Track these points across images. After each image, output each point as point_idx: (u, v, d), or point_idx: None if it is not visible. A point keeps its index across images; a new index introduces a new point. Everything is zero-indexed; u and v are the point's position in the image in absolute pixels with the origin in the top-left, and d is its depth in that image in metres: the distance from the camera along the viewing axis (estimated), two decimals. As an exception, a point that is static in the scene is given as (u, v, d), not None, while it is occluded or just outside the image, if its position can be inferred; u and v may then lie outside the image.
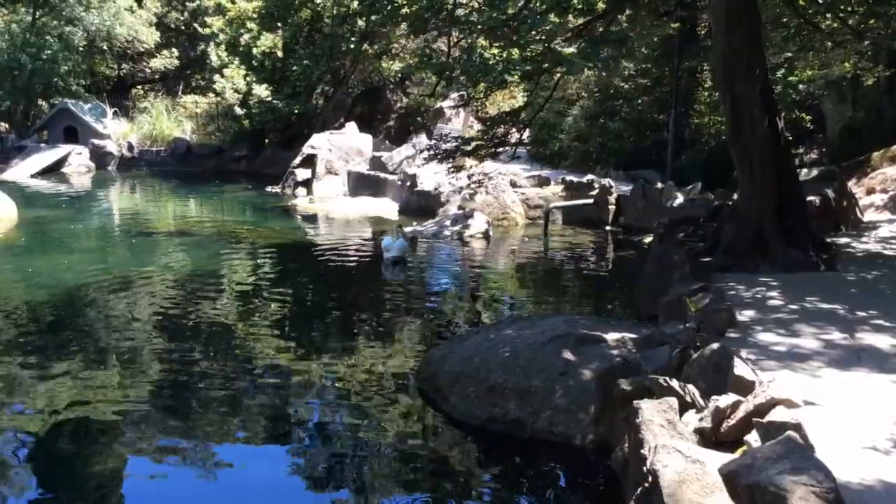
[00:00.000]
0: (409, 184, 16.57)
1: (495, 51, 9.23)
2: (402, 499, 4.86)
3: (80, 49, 26.88)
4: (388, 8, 8.07)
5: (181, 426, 5.75)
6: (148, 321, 8.36)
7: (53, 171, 23.49)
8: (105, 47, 28.00)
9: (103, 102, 27.44)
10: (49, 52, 25.31)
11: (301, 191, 19.37)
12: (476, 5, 8.01)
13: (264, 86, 22.93)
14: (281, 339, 7.92)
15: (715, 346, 4.57)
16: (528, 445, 5.34)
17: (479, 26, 8.04)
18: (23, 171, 22.71)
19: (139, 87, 31.89)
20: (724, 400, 3.95)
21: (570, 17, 9.69)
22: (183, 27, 30.17)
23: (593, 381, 5.33)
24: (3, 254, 11.85)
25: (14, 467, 5.09)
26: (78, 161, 24.44)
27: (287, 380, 6.69)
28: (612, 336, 5.94)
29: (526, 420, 5.38)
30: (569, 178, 16.00)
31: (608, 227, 14.58)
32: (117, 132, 26.27)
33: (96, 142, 25.23)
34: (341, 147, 20.17)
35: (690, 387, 4.32)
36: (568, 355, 5.64)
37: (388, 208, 16.68)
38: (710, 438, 3.88)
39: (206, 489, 4.99)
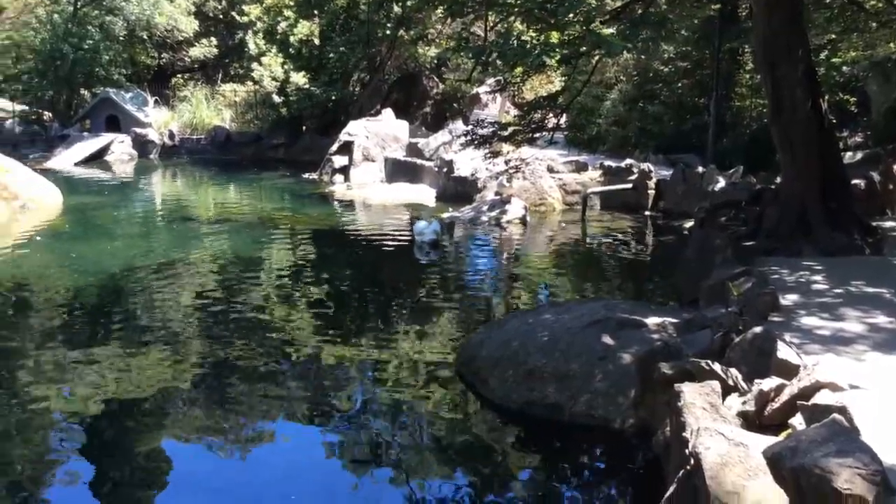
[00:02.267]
0: (445, 170, 16.57)
1: (532, 34, 9.17)
2: (441, 482, 4.89)
3: (121, 38, 27.30)
4: (426, -9, 8.05)
5: (222, 409, 5.83)
6: (189, 306, 8.50)
7: (97, 159, 23.90)
8: (145, 36, 28.42)
9: (144, 91, 27.82)
10: (90, 41, 25.74)
11: (338, 177, 19.49)
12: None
13: (301, 73, 23.05)
14: (319, 324, 7.99)
15: (758, 329, 4.52)
16: (567, 429, 5.34)
17: (517, 9, 7.97)
18: (67, 159, 23.14)
19: (179, 75, 32.26)
20: (768, 383, 3.91)
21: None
22: (221, 16, 30.42)
23: (633, 365, 5.31)
24: (49, 240, 12.12)
25: (62, 449, 5.23)
26: (120, 149, 24.84)
27: (326, 364, 6.74)
28: (652, 320, 5.90)
29: (565, 404, 5.38)
30: (607, 162, 15.87)
31: (647, 212, 14.45)
32: (158, 121, 26.63)
33: (138, 130, 25.59)
34: (378, 134, 20.23)
35: (733, 370, 4.28)
36: (607, 339, 5.62)
37: (424, 194, 16.70)
38: (753, 422, 3.84)
39: (246, 470, 5.06)
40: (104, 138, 24.80)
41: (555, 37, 7.46)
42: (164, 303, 8.66)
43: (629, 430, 5.15)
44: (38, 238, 12.13)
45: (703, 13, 14.32)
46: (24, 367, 6.50)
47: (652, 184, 14.73)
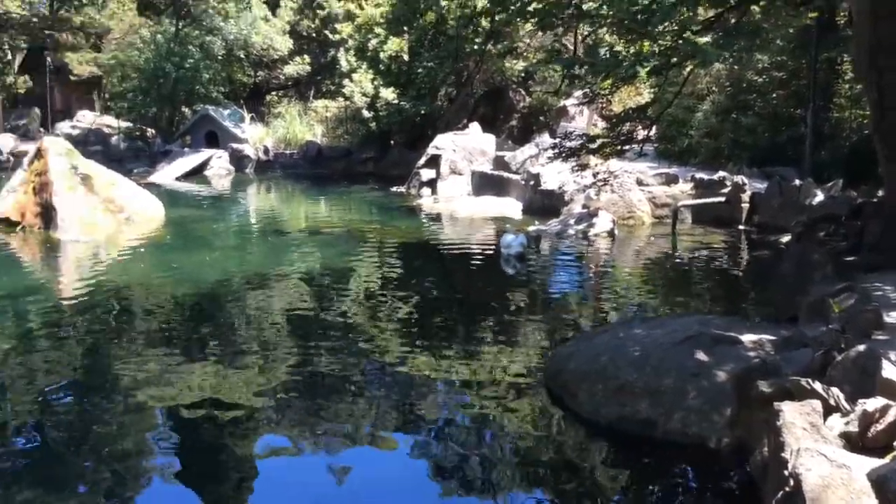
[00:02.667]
0: (532, 183, 16.56)
1: (621, 45, 9.10)
2: (527, 497, 4.87)
3: (220, 58, 28.41)
4: (517, 4, 8.08)
5: (310, 417, 5.95)
6: (281, 316, 8.74)
7: (196, 174, 24.89)
8: (242, 55, 29.48)
9: (241, 108, 28.85)
10: (191, 60, 26.88)
11: (426, 191, 19.73)
12: (604, -2, 7.90)
13: (391, 89, 23.47)
14: (406, 335, 8.09)
15: (861, 348, 4.37)
16: (659, 447, 5.24)
17: (609, 20, 7.93)
18: (168, 174, 24.19)
19: (273, 93, 33.32)
20: (873, 403, 3.77)
21: (701, 9, 9.43)
22: (314, 34, 31.28)
23: (729, 383, 5.18)
24: (151, 251, 12.69)
25: (157, 451, 5.44)
26: (218, 164, 25.80)
27: (412, 375, 6.80)
28: (748, 337, 5.76)
29: (657, 420, 5.29)
30: (698, 175, 15.55)
31: (741, 227, 14.07)
32: (254, 136, 27.54)
33: (235, 146, 26.53)
34: (465, 147, 20.39)
35: (834, 389, 4.14)
36: (701, 356, 5.51)
37: (511, 208, 16.72)
38: (856, 443, 3.71)
39: (331, 479, 5.14)
40: (203, 154, 25.82)
41: (646, 47, 7.39)
42: (257, 312, 8.94)
43: (724, 450, 5.02)
44: (142, 249, 12.73)
45: (800, 22, 13.88)
46: (126, 371, 6.80)
47: (746, 197, 14.34)
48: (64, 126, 29.14)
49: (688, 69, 9.93)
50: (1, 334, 7.84)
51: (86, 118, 30.70)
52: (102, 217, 14.20)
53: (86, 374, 6.90)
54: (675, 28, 7.89)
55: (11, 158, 25.51)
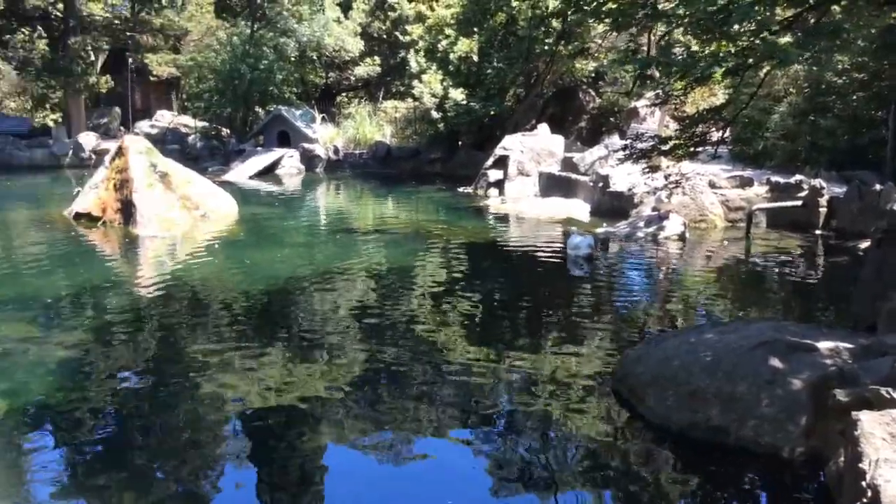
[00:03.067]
0: (601, 184, 16.39)
1: (696, 46, 8.94)
2: (592, 501, 4.84)
3: (293, 59, 28.93)
4: (592, 5, 8.01)
5: (375, 416, 6.01)
6: (348, 313, 8.86)
7: (268, 172, 25.43)
8: (314, 57, 29.98)
9: (312, 109, 29.34)
10: (265, 62, 27.46)
11: (493, 191, 19.74)
12: (681, -2, 7.75)
13: (460, 90, 23.54)
14: (471, 334, 8.11)
15: (947, 358, 4.21)
16: (731, 455, 5.14)
17: (686, 19, 7.78)
18: (242, 172, 24.78)
19: (344, 93, 33.79)
20: (958, 416, 3.63)
21: (778, 9, 9.18)
22: (385, 36, 31.61)
23: (804, 391, 5.05)
24: (226, 247, 13.03)
25: (226, 444, 5.58)
26: (290, 163, 26.31)
27: (476, 374, 6.81)
28: (824, 344, 5.59)
29: (729, 428, 5.19)
30: (774, 178, 15.15)
31: (818, 231, 13.66)
32: (324, 136, 27.98)
33: (306, 145, 27.00)
34: (533, 148, 20.32)
35: (917, 400, 4.01)
36: (776, 363, 5.38)
37: (579, 209, 16.59)
38: (940, 457, 3.58)
39: (395, 475, 5.21)
40: (276, 153, 26.36)
41: (723, 48, 7.24)
42: (324, 308, 9.09)
43: (798, 459, 4.90)
44: (216, 245, 13.08)
45: (883, 22, 13.37)
46: (198, 362, 7.01)
47: (824, 201, 13.92)
48: (143, 125, 30.16)
49: (764, 70, 9.66)
50: (82, 325, 8.18)
51: (164, 118, 31.71)
52: (179, 213, 14.64)
53: (160, 364, 7.13)
54: (753, 28, 7.71)
55: (93, 156, 26.58)
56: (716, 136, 10.81)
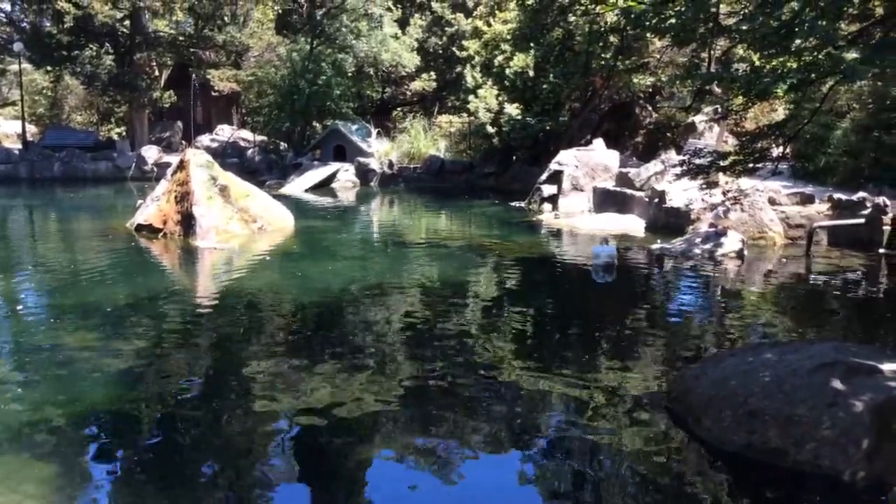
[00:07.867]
0: (656, 200, 16.20)
1: (758, 61, 8.78)
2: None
3: (350, 74, 29.32)
4: (654, 21, 7.94)
5: (422, 430, 6.02)
6: (399, 326, 8.91)
7: (324, 186, 25.80)
8: (371, 72, 30.33)
9: (368, 123, 29.68)
10: (324, 77, 27.89)
11: (546, 206, 19.63)
12: (746, 13, 7.62)
13: (515, 104, 23.55)
14: (522, 349, 8.07)
15: None
16: (789, 477, 5.02)
17: (750, 34, 7.65)
18: (298, 186, 25.17)
19: (399, 108, 34.08)
20: None
21: (843, 24, 8.98)
22: (441, 51, 31.83)
23: (867, 414, 4.90)
24: (281, 259, 13.23)
25: (275, 454, 5.64)
26: (345, 177, 26.65)
27: (527, 389, 6.76)
28: (888, 367, 5.42)
29: (789, 450, 5.06)
30: (836, 195, 14.78)
31: (882, 250, 13.27)
32: (379, 150, 28.28)
33: (361, 159, 27.32)
34: (587, 163, 20.19)
35: None
36: (837, 384, 5.23)
37: (633, 225, 16.42)
38: None
39: (442, 490, 5.18)
40: (332, 167, 26.74)
41: (789, 63, 7.10)
42: (376, 321, 9.14)
43: (860, 483, 4.75)
44: (272, 257, 13.29)
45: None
46: (250, 372, 7.11)
47: (888, 219, 13.52)
48: (204, 139, 30.91)
49: (828, 85, 9.45)
50: (140, 334, 8.37)
51: (224, 132, 32.44)
52: (237, 226, 14.94)
53: (213, 373, 7.27)
54: (817, 43, 7.55)
55: (155, 169, 27.31)
56: (776, 151, 10.60)
